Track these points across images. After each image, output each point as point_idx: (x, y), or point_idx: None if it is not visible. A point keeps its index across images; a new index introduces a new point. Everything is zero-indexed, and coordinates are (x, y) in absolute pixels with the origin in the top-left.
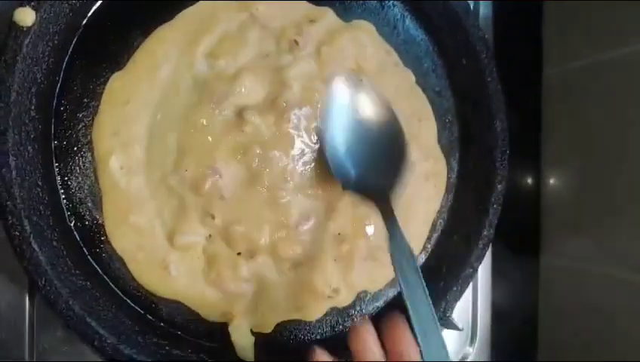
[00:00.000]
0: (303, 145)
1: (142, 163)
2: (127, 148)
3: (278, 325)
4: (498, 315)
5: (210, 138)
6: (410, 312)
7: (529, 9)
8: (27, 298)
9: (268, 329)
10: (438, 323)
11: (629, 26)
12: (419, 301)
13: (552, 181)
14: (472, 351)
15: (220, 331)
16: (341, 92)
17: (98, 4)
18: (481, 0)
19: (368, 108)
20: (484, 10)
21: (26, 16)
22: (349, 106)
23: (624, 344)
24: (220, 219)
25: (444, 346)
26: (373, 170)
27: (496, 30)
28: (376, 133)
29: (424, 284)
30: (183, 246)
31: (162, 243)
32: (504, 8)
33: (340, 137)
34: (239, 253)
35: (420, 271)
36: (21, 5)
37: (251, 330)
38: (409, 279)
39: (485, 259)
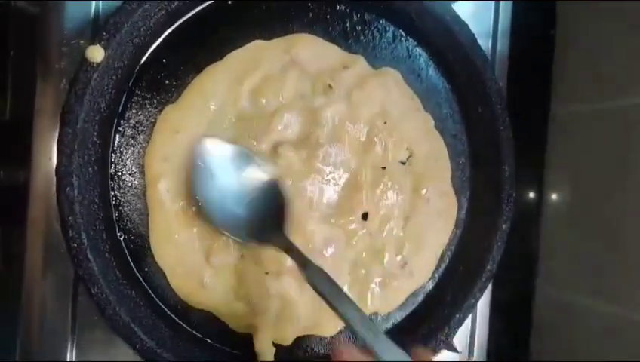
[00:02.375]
0: (329, 179)
1: (186, 187)
2: (174, 174)
3: (297, 339)
4: (495, 339)
5: None
6: (352, 322)
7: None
8: (70, 304)
9: (288, 342)
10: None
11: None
12: (353, 311)
13: (553, 202)
14: None
15: (244, 341)
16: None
17: (157, 43)
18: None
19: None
20: (501, 47)
21: (96, 54)
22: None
23: None
24: None
25: (393, 344)
26: (264, 220)
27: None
28: (257, 188)
29: (348, 295)
30: (218, 264)
31: (199, 261)
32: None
33: (226, 201)
34: (267, 273)
35: (337, 284)
36: (92, 44)
37: (273, 342)
38: (334, 295)
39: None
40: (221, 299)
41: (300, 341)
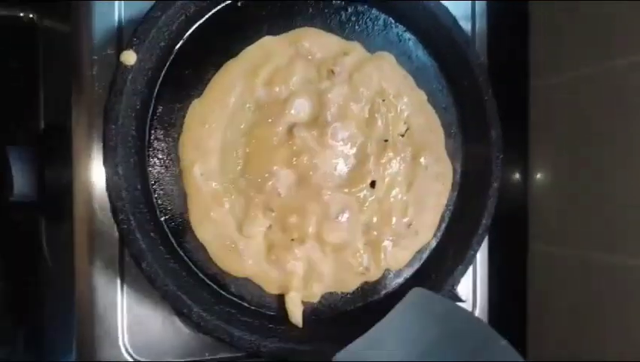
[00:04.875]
0: (340, 152)
1: (217, 170)
2: (205, 159)
3: (321, 296)
4: (493, 289)
5: (268, 149)
6: None
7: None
8: (119, 301)
9: (315, 299)
10: None
11: (610, 40)
12: None
13: (538, 176)
14: None
15: (276, 302)
16: None
17: (180, 44)
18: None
19: None
20: (480, 26)
21: (129, 58)
22: None
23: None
24: (277, 212)
25: None
26: None
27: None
28: None
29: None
30: (250, 234)
31: (234, 232)
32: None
33: None
34: (292, 239)
35: None
36: (126, 49)
37: (302, 301)
38: None
39: (483, 243)
40: (254, 265)
41: (324, 298)
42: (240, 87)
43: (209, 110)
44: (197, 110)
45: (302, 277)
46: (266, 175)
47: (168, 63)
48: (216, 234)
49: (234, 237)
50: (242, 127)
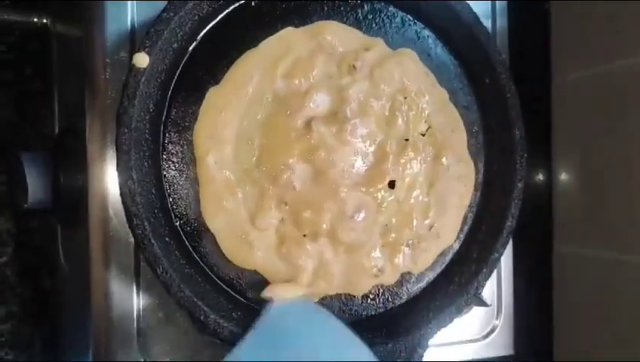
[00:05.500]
0: (358, 150)
1: (231, 160)
2: (220, 148)
3: (332, 299)
4: (519, 293)
5: (285, 142)
6: None
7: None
8: (135, 306)
9: (315, 298)
10: None
11: (634, 35)
12: None
13: (563, 176)
14: (498, 323)
15: None
16: None
17: (193, 45)
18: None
19: None
20: (501, 24)
21: (142, 60)
22: None
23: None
24: (291, 206)
25: None
26: None
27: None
28: None
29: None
30: (262, 226)
31: (245, 223)
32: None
33: None
34: (305, 235)
35: None
36: (138, 51)
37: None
38: None
39: (508, 246)
40: (265, 257)
41: (334, 301)
42: (258, 77)
43: (226, 99)
44: (213, 99)
45: (311, 274)
46: (282, 167)
47: (182, 65)
48: (227, 223)
49: (245, 228)
50: (259, 117)
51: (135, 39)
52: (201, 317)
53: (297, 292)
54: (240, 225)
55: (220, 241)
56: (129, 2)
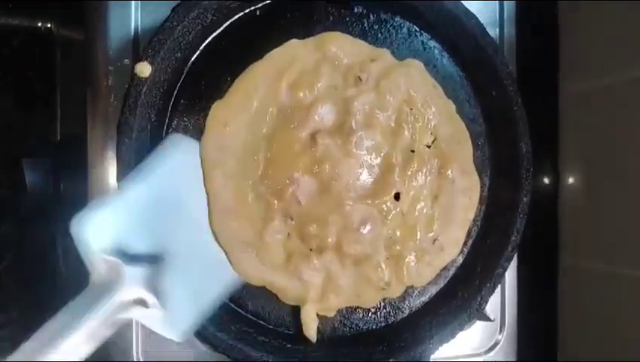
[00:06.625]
0: (364, 162)
1: (237, 174)
2: (227, 161)
3: (340, 315)
4: (523, 308)
5: (290, 155)
6: None
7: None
8: None
9: (332, 312)
10: None
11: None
12: None
13: (569, 187)
14: (501, 338)
15: (295, 321)
16: None
17: (196, 54)
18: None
19: None
20: (508, 34)
21: (144, 69)
22: None
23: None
24: (297, 221)
25: None
26: None
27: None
28: None
29: None
30: (268, 242)
31: (253, 239)
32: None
33: None
34: (311, 249)
35: None
36: (140, 60)
37: (318, 314)
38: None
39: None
40: (272, 273)
41: (342, 316)
42: (263, 90)
43: (231, 112)
44: (218, 112)
45: (319, 288)
46: (287, 181)
47: (184, 75)
48: (235, 239)
49: (253, 243)
50: (264, 131)
51: (138, 46)
52: (200, 330)
53: (310, 312)
54: (248, 240)
55: (229, 255)
56: (132, 9)
